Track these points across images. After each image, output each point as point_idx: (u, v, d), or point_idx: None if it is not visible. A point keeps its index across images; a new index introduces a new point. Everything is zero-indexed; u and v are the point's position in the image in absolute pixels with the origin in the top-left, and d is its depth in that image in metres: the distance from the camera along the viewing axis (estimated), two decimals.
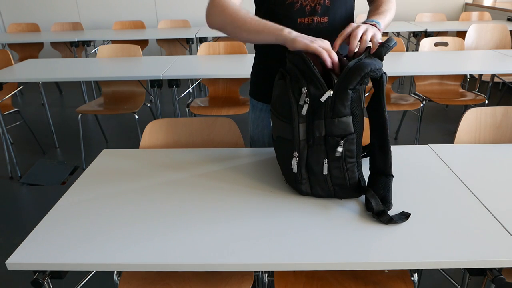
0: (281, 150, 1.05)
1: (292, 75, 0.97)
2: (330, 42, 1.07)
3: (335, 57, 0.94)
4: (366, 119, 1.27)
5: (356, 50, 1.00)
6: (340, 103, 0.91)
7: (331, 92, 0.90)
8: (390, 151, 0.97)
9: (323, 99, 0.91)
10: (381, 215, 0.91)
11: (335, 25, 1.20)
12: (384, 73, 0.93)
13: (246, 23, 1.03)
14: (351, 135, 0.93)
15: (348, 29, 1.02)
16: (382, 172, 1.00)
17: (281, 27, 1.00)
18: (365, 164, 1.19)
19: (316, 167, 0.97)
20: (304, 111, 0.93)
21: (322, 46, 0.95)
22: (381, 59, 0.93)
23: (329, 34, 1.19)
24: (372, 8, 1.21)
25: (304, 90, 0.93)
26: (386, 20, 1.13)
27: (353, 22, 1.26)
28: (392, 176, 1.00)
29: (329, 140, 0.94)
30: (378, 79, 0.94)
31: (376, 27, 1.05)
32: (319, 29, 1.18)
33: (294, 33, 0.98)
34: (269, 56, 1.29)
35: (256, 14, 1.28)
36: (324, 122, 0.93)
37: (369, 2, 1.28)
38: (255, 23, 1.02)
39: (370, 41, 1.00)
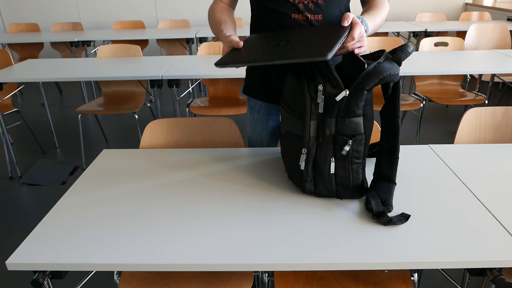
0: (289, 146, 1.05)
1: (308, 71, 0.97)
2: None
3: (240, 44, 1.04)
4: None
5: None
6: (354, 103, 0.91)
7: (347, 92, 0.90)
8: (398, 158, 0.98)
9: (338, 98, 0.91)
10: (380, 216, 0.91)
11: (330, 23, 1.20)
12: (400, 79, 0.93)
13: (212, 26, 1.24)
14: (360, 135, 0.93)
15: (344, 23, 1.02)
16: (386, 178, 1.00)
17: (227, 35, 1.10)
18: (369, 166, 1.19)
19: (323, 166, 0.97)
20: (321, 108, 0.93)
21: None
22: (399, 65, 0.93)
23: None
24: (364, 10, 1.21)
25: (320, 87, 0.93)
26: (375, 24, 1.13)
27: None
28: (395, 183, 1.00)
29: (338, 139, 0.94)
30: (394, 85, 0.93)
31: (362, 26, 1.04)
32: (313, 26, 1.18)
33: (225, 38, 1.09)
34: None
35: (252, 9, 1.29)
36: (335, 121, 0.93)
37: (362, 4, 1.28)
38: (214, 28, 1.23)
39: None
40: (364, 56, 1.01)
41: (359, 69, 0.92)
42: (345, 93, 0.90)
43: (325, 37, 0.95)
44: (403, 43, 3.16)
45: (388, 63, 0.91)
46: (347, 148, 0.93)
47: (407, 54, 0.94)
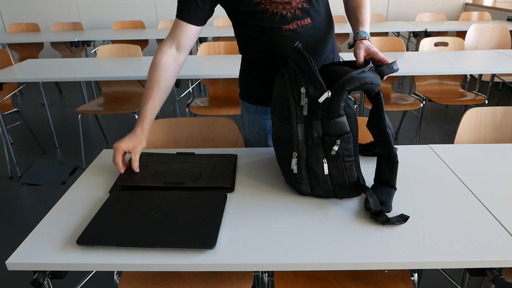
0: (281, 151, 1.05)
1: (292, 74, 0.97)
2: (316, 43, 1.13)
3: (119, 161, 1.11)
4: (360, 118, 1.28)
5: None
6: (336, 103, 0.92)
7: (329, 93, 0.91)
8: (397, 162, 0.98)
9: (321, 100, 0.92)
10: (378, 215, 0.91)
11: (318, 24, 1.21)
12: (380, 91, 0.96)
13: (146, 82, 1.18)
14: (347, 134, 0.94)
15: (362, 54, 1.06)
16: (386, 183, 1.01)
17: (140, 123, 1.14)
18: (370, 168, 1.19)
19: (316, 167, 0.98)
20: (305, 111, 0.94)
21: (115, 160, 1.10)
22: (382, 78, 0.96)
23: (315, 34, 1.21)
24: (352, 13, 1.22)
25: (303, 90, 0.94)
26: (369, 23, 1.18)
27: (332, 18, 1.28)
28: (396, 188, 1.01)
29: (326, 140, 0.94)
30: (376, 96, 0.96)
31: (369, 41, 1.11)
32: (305, 31, 1.19)
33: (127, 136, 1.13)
34: (255, 61, 1.30)
35: (237, 30, 1.28)
36: (321, 123, 0.94)
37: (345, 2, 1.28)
38: (145, 88, 1.17)
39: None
40: (349, 63, 1.05)
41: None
42: (327, 94, 0.91)
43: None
44: (403, 43, 3.14)
45: (371, 73, 0.94)
46: (335, 148, 0.94)
47: (391, 70, 0.98)
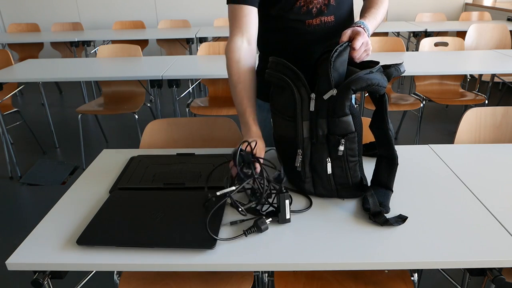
0: (284, 150, 1.05)
1: (295, 75, 0.97)
2: (336, 39, 1.08)
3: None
4: (365, 119, 1.28)
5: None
6: (341, 103, 0.92)
7: (335, 91, 0.91)
8: (397, 164, 0.98)
9: (326, 96, 0.92)
10: (377, 216, 0.91)
11: (340, 22, 1.22)
12: (386, 93, 0.96)
13: (234, 100, 1.15)
14: (352, 133, 0.94)
15: (344, 39, 1.01)
16: (384, 185, 1.01)
17: (248, 124, 1.11)
18: (367, 167, 1.19)
19: (320, 167, 0.98)
20: (312, 107, 0.94)
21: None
22: (389, 80, 0.96)
23: (336, 31, 1.21)
24: (366, 4, 1.22)
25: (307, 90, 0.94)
26: (376, 23, 1.16)
27: (353, 18, 1.27)
28: (392, 191, 1.01)
29: (331, 138, 0.94)
30: (381, 98, 0.96)
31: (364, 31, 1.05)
32: (327, 28, 1.20)
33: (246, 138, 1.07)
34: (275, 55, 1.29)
35: (260, 21, 1.27)
36: (327, 121, 0.94)
37: None
38: (237, 106, 1.15)
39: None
40: (358, 63, 1.03)
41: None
42: (333, 91, 0.91)
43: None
44: (403, 43, 3.13)
45: (379, 74, 0.94)
46: (341, 148, 0.94)
47: (399, 72, 0.97)
